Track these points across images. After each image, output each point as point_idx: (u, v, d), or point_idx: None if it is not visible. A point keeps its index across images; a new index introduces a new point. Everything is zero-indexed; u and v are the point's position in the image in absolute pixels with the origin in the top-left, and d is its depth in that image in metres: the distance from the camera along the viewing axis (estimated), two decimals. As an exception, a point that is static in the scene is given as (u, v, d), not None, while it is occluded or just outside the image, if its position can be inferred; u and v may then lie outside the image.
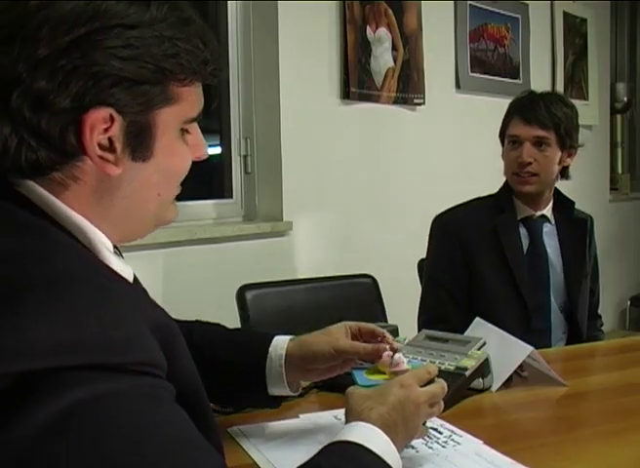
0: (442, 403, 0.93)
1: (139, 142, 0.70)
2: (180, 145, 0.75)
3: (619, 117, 4.37)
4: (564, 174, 1.90)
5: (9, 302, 0.57)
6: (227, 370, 1.05)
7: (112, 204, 0.72)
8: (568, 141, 1.82)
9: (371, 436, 0.79)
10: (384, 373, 1.15)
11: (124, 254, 0.83)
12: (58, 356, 0.56)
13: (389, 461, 0.78)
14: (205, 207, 2.49)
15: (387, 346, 1.11)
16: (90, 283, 0.61)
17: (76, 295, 0.59)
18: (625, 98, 4.29)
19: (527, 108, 1.81)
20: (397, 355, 1.13)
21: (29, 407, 0.55)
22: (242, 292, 1.76)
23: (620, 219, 4.10)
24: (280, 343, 1.06)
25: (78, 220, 0.69)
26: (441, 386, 0.92)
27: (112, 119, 0.67)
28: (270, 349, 1.05)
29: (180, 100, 0.72)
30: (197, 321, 1.13)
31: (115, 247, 0.77)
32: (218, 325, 1.14)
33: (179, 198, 0.81)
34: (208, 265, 2.33)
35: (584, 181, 3.28)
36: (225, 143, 2.61)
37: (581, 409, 1.27)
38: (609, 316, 3.85)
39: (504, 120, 1.89)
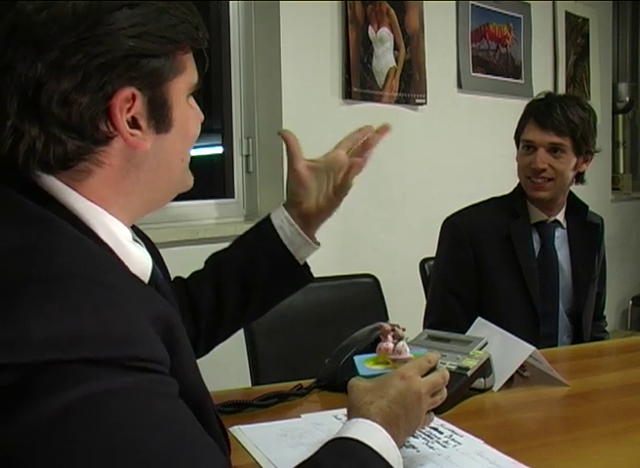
0: (445, 391, 0.93)
1: (160, 115, 0.74)
2: (190, 110, 0.80)
3: (620, 117, 4.36)
4: (579, 179, 1.86)
5: (6, 297, 0.57)
6: (253, 266, 1.15)
7: (138, 178, 0.74)
8: (584, 147, 1.78)
9: (370, 432, 0.79)
10: (386, 363, 1.15)
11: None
12: (56, 349, 0.56)
13: (388, 457, 0.77)
14: (206, 206, 2.49)
15: (390, 334, 1.13)
16: (90, 279, 0.61)
17: (75, 291, 0.59)
18: (627, 98, 4.28)
19: (543, 112, 1.77)
20: (401, 343, 1.14)
21: (30, 401, 0.55)
22: (243, 291, 1.75)
23: (622, 219, 4.09)
24: (277, 213, 1.18)
25: (96, 214, 0.71)
26: (442, 375, 0.92)
27: (134, 97, 0.70)
28: (274, 223, 1.16)
29: (186, 68, 0.76)
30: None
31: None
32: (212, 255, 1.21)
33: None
34: (209, 265, 2.32)
35: (586, 181, 3.27)
36: (227, 143, 2.60)
37: (583, 410, 1.26)
38: (611, 316, 3.84)
39: (520, 122, 1.84)
